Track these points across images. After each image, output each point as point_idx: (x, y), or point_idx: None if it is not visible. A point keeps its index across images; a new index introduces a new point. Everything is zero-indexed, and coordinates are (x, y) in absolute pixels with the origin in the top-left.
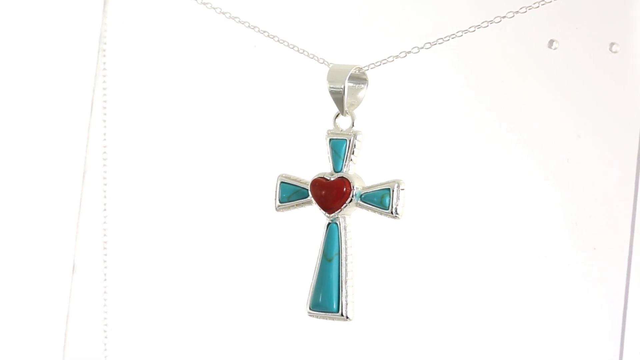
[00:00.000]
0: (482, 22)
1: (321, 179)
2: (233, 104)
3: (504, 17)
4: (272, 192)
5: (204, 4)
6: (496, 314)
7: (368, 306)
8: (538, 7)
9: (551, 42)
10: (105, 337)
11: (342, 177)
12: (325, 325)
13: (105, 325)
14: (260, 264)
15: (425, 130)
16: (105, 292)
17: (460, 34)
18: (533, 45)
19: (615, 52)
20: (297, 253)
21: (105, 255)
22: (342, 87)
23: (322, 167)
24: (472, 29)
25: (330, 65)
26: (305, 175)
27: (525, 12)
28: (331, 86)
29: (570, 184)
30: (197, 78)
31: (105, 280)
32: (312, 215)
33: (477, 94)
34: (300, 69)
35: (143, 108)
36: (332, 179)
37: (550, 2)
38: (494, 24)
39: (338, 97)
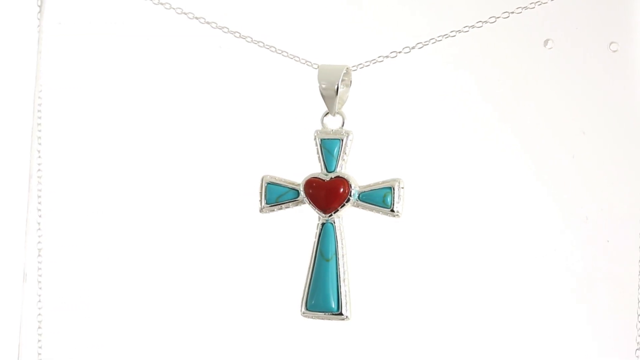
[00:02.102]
0: (477, 22)
1: (316, 179)
2: (198, 106)
3: (498, 17)
4: (248, 193)
5: (162, 4)
6: (507, 310)
7: (363, 305)
8: (534, 7)
9: (546, 41)
10: (40, 348)
11: (340, 177)
12: (317, 325)
13: (40, 336)
14: (241, 266)
15: (421, 130)
16: (39, 301)
17: (453, 34)
18: (534, 44)
19: (614, 50)
20: (274, 255)
21: (40, 263)
22: (336, 87)
23: (295, 166)
24: (466, 28)
25: (318, 65)
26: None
27: (521, 12)
28: (324, 86)
29: (578, 179)
30: (155, 79)
31: (40, 288)
32: (291, 216)
33: (477, 93)
34: (274, 70)
35: (102, 111)
36: (328, 179)
37: (546, 2)
38: (488, 24)
39: (330, 97)
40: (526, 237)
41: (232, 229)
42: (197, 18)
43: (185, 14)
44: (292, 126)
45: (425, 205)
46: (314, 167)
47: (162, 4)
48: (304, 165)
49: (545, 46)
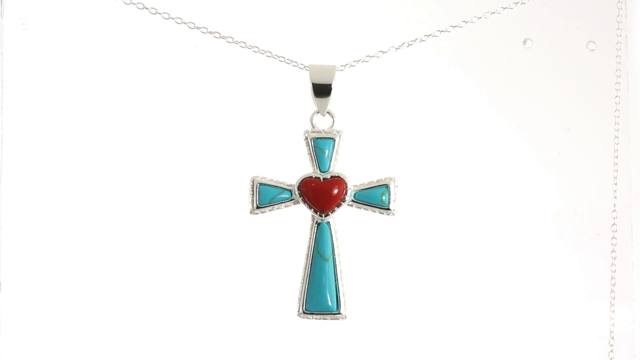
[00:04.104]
0: (460, 22)
1: (313, 179)
2: (175, 108)
3: (480, 17)
4: (231, 195)
5: (134, 4)
6: (501, 306)
7: (357, 304)
8: (513, 8)
9: (525, 40)
10: None
11: (338, 176)
12: (313, 326)
13: None
14: (229, 269)
15: (407, 128)
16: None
17: (437, 33)
18: (517, 43)
19: (592, 50)
20: (263, 256)
21: None
22: (330, 86)
23: (277, 166)
24: (450, 28)
25: (309, 65)
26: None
27: (500, 13)
28: (317, 86)
29: (565, 175)
30: (130, 81)
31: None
32: (276, 218)
33: (462, 92)
34: (254, 70)
35: (75, 115)
36: (324, 179)
37: (524, 3)
38: (471, 23)
39: (323, 97)
40: (517, 232)
41: (217, 231)
42: (172, 18)
43: (160, 14)
44: (275, 126)
45: (414, 202)
46: (296, 167)
47: (134, 3)
48: (285, 165)
49: (524, 45)
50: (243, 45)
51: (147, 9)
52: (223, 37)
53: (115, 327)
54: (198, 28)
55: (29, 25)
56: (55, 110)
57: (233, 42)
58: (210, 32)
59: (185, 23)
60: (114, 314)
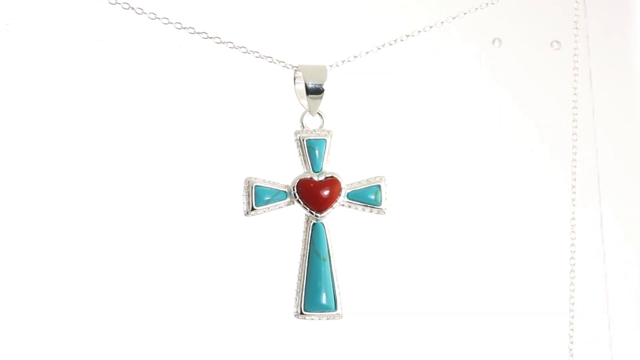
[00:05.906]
0: (436, 22)
1: (310, 179)
2: (163, 109)
3: (454, 18)
4: (217, 196)
5: (119, 3)
6: (483, 299)
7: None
8: (483, 8)
9: (494, 40)
10: None
11: (333, 176)
12: (308, 327)
13: None
14: (219, 271)
15: (390, 127)
16: None
17: (416, 33)
18: (493, 42)
19: (557, 49)
20: (253, 258)
21: None
22: (323, 86)
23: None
24: (427, 28)
25: (299, 66)
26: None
27: (470, 13)
28: (311, 86)
29: (542, 171)
30: (117, 83)
31: None
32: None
33: (444, 89)
34: (241, 71)
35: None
36: (320, 179)
37: (494, 4)
38: (446, 23)
39: (317, 97)
40: (498, 227)
41: (210, 233)
42: (159, 18)
43: (146, 14)
44: (262, 127)
45: (404, 200)
46: (282, 167)
47: (119, 3)
48: (273, 165)
49: (493, 44)
50: (231, 45)
51: (132, 9)
52: (211, 38)
53: (111, 329)
54: (185, 28)
55: (13, 26)
56: (40, 111)
57: (221, 42)
58: (198, 33)
59: (172, 23)
60: (110, 317)
